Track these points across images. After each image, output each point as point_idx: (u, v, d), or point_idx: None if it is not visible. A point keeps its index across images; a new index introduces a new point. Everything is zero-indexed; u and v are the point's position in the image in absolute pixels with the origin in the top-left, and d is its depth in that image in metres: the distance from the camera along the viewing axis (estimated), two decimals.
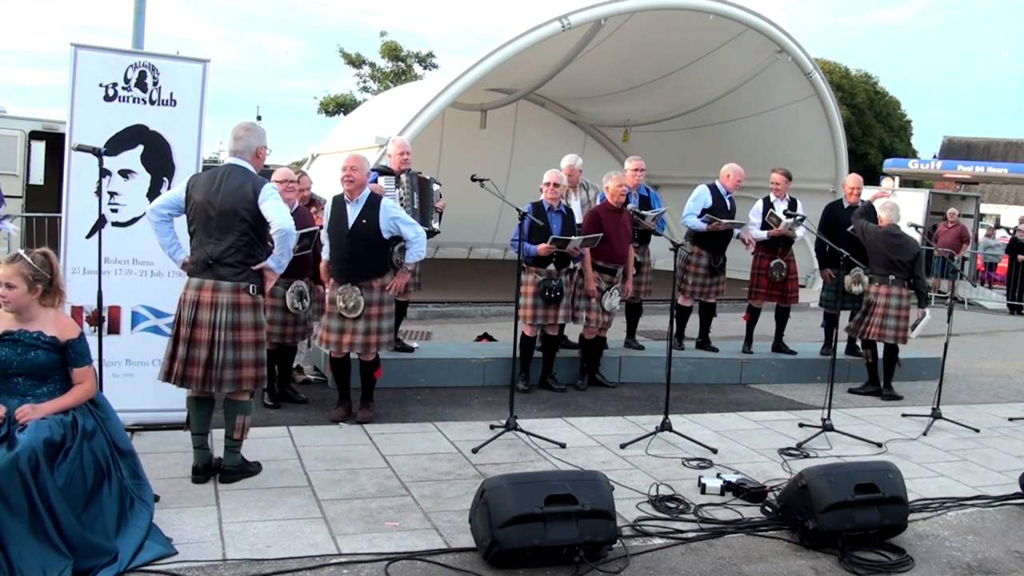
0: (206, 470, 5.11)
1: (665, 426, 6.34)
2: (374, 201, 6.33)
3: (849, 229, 8.46)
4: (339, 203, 6.39)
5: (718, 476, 5.46)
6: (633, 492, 5.23)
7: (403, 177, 7.37)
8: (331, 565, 4.09)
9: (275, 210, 4.93)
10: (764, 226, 8.82)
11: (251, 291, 5.01)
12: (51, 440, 3.88)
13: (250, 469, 5.26)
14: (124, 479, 4.22)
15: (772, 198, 8.95)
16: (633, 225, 7.93)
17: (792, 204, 8.97)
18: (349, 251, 6.31)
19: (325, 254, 6.51)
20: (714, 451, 6.17)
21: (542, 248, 7.29)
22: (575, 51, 13.82)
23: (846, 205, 9.03)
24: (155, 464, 4.94)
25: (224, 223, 4.95)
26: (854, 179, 9.24)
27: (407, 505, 4.91)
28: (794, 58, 14.36)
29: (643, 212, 7.96)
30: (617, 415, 7.16)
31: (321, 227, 6.60)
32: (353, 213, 6.31)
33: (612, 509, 4.30)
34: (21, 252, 4.20)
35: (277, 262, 5.07)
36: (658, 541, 4.58)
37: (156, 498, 4.49)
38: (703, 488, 5.34)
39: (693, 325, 9.24)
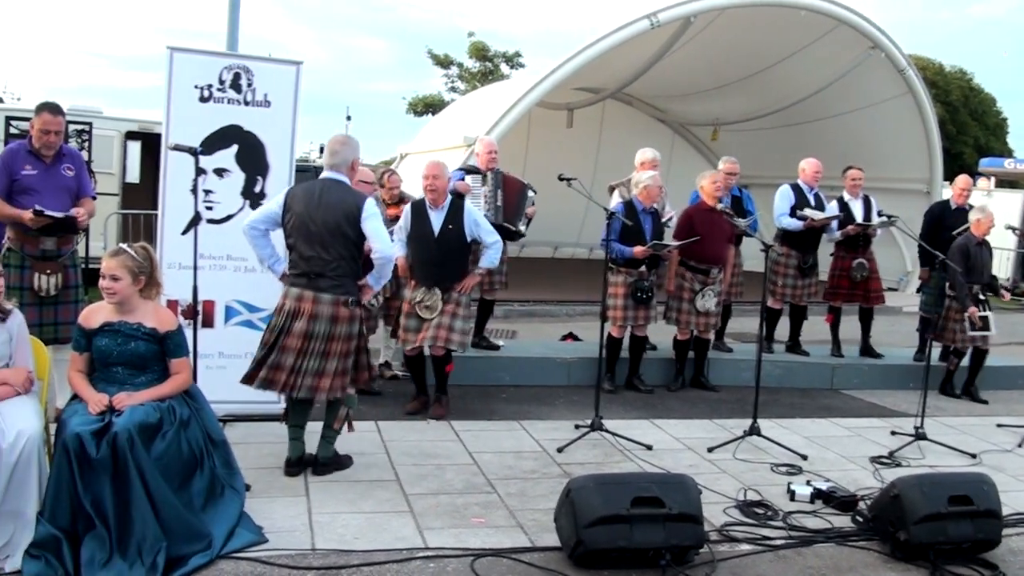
0: (299, 463, 5.20)
1: (754, 430, 6.21)
2: (458, 206, 6.42)
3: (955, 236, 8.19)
4: (420, 209, 6.46)
5: (808, 483, 5.33)
6: (720, 497, 5.14)
7: (488, 175, 7.40)
8: (417, 559, 4.12)
9: (377, 234, 5.04)
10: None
11: (349, 304, 5.07)
12: (147, 422, 4.00)
13: (342, 462, 5.33)
14: (217, 468, 4.32)
15: (847, 197, 8.71)
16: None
17: (867, 203, 8.71)
18: (437, 256, 6.39)
19: (399, 251, 6.51)
20: (804, 457, 6.03)
21: (639, 251, 7.22)
22: (664, 49, 13.67)
23: (953, 207, 8.74)
24: (246, 454, 5.04)
25: (327, 238, 5.03)
26: (964, 180, 8.96)
27: (493, 502, 4.92)
28: (887, 54, 13.97)
29: (738, 220, 7.81)
30: (704, 418, 7.06)
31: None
32: (438, 219, 6.39)
33: (699, 513, 4.23)
34: (123, 246, 4.35)
35: (376, 281, 5.20)
36: (745, 547, 4.49)
37: (247, 487, 4.58)
38: (792, 495, 5.23)
39: (784, 328, 9.05)
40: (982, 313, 7.73)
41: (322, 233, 5.03)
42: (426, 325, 6.40)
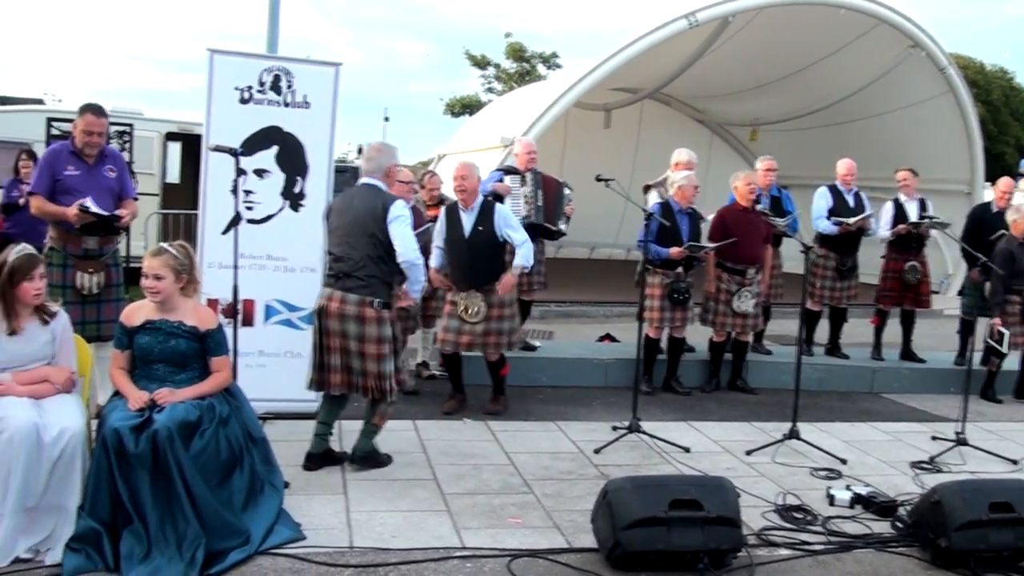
0: (319, 459, 5.25)
1: (793, 434, 6.15)
2: (488, 207, 6.42)
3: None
4: (453, 211, 6.48)
5: (847, 488, 5.26)
6: (759, 500, 5.09)
7: (528, 175, 7.40)
8: (454, 558, 4.12)
9: (400, 237, 5.09)
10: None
11: (375, 305, 5.10)
12: (186, 420, 4.04)
13: (380, 460, 5.36)
14: (256, 465, 4.35)
15: (902, 198, 8.60)
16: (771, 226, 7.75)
17: (923, 204, 8.60)
18: (470, 258, 6.40)
19: (433, 262, 6.54)
20: (843, 462, 5.95)
21: (675, 252, 7.20)
22: (702, 49, 13.61)
23: (995, 209, 8.61)
24: (285, 452, 5.07)
25: (353, 238, 5.13)
26: (1006, 183, 8.80)
27: (529, 503, 4.92)
28: (928, 53, 13.79)
29: (776, 219, 7.74)
30: (743, 421, 7.00)
31: (430, 226, 6.69)
32: (469, 221, 6.39)
33: (738, 517, 4.20)
34: (165, 245, 4.40)
35: (412, 289, 5.27)
36: (784, 552, 4.44)
37: (286, 485, 4.61)
38: (831, 500, 5.16)
39: (823, 330, 8.96)
40: (1002, 328, 7.56)
41: (350, 234, 5.14)
42: (471, 329, 6.42)
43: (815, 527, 4.77)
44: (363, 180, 5.33)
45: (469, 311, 6.40)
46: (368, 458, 5.30)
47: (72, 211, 5.58)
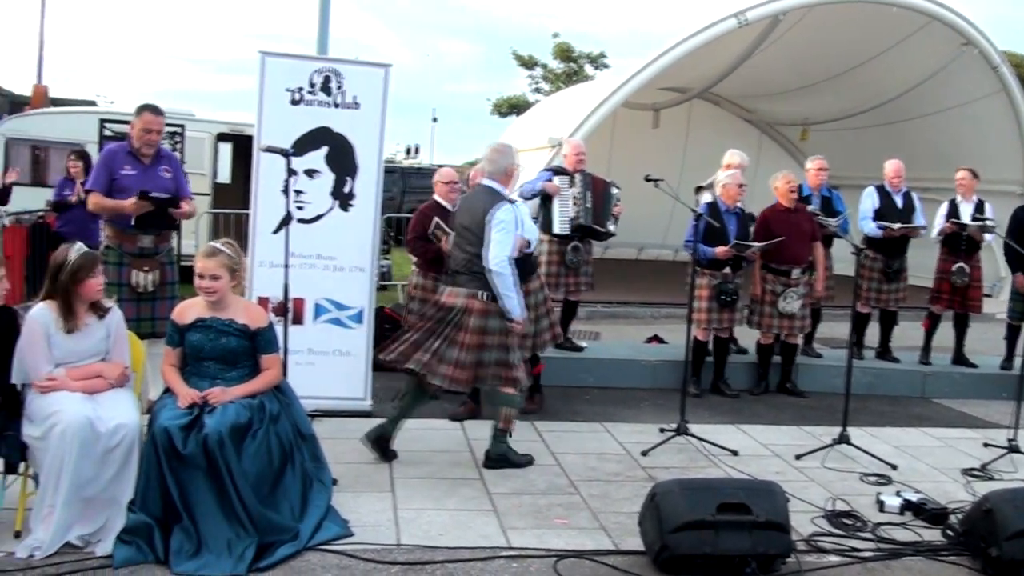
0: (375, 441, 5.41)
1: (843, 438, 6.06)
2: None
3: None
4: None
5: (898, 494, 5.18)
6: (808, 506, 5.03)
7: (577, 176, 7.37)
8: (501, 558, 4.13)
9: (492, 242, 5.19)
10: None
11: (482, 297, 5.24)
12: (237, 423, 4.09)
13: (515, 461, 5.45)
14: (305, 462, 4.40)
15: (958, 199, 8.44)
16: (821, 227, 7.65)
17: (979, 207, 8.42)
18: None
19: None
20: (894, 467, 5.86)
21: (721, 251, 7.14)
22: (751, 48, 13.46)
23: None
24: (334, 449, 5.12)
25: (464, 238, 5.36)
26: None
27: (576, 503, 4.91)
28: (981, 51, 13.49)
29: (827, 220, 7.65)
30: (792, 424, 6.92)
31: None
32: None
33: (787, 522, 4.16)
34: (218, 245, 4.45)
35: (500, 303, 5.28)
36: (833, 558, 4.38)
37: (334, 481, 4.65)
38: (881, 506, 5.09)
39: (874, 333, 8.83)
40: None
41: (463, 234, 5.37)
42: None
43: (865, 534, 4.70)
44: (483, 181, 5.48)
45: None
46: (502, 460, 5.41)
47: (130, 201, 5.66)
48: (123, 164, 5.83)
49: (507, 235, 5.21)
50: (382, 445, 5.42)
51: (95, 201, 5.82)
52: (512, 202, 5.37)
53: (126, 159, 5.85)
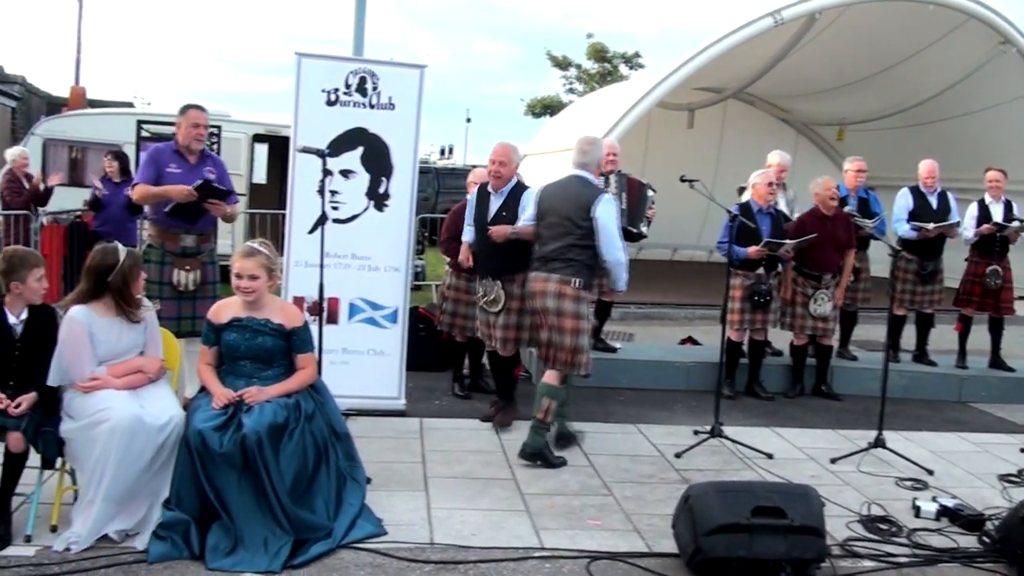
0: (564, 439, 5.84)
1: (879, 442, 6.00)
2: (516, 192, 6.17)
3: None
4: (483, 193, 6.31)
5: (934, 499, 5.12)
6: (843, 510, 4.99)
7: (611, 177, 7.35)
8: (534, 558, 4.14)
9: (615, 238, 5.50)
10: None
11: (575, 284, 5.46)
12: (275, 423, 4.13)
13: (549, 459, 5.49)
14: (340, 460, 4.43)
15: (988, 200, 8.31)
16: (857, 229, 7.58)
17: (1008, 207, 8.29)
18: (489, 243, 6.09)
19: (465, 236, 6.54)
20: (930, 472, 5.79)
21: (753, 251, 7.08)
22: (787, 47, 13.34)
23: None
24: (367, 448, 5.15)
25: (560, 226, 5.52)
26: None
27: (608, 505, 4.91)
28: (1019, 49, 13.28)
29: (864, 221, 7.57)
30: (827, 427, 6.86)
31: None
32: (495, 204, 6.19)
33: (822, 526, 4.13)
34: (255, 246, 4.49)
35: (616, 286, 5.82)
36: (868, 564, 4.34)
37: (368, 480, 4.68)
38: (917, 511, 5.03)
39: (910, 335, 8.72)
40: None
41: (558, 222, 5.52)
42: (494, 322, 6.20)
43: (900, 539, 4.65)
44: (575, 172, 5.64)
45: (492, 302, 6.14)
46: (537, 455, 5.48)
47: (176, 187, 5.70)
48: (169, 162, 5.86)
49: (615, 224, 5.51)
50: (569, 440, 5.82)
51: (140, 191, 5.84)
52: (607, 193, 5.65)
53: (172, 157, 5.89)
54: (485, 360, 7.00)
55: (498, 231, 5.97)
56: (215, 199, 5.81)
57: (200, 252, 5.97)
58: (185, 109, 5.96)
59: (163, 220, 5.86)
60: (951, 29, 13.08)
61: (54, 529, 4.12)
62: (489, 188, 6.28)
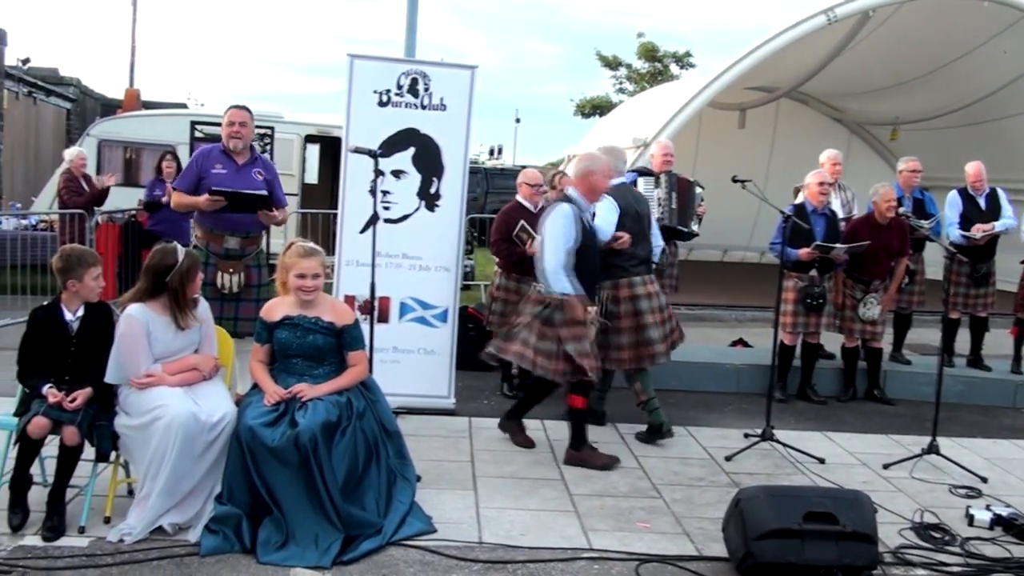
0: (656, 433, 6.07)
1: (932, 448, 5.89)
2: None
3: None
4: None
5: (988, 508, 5.02)
6: (896, 517, 4.91)
7: (662, 177, 7.32)
8: (582, 559, 4.14)
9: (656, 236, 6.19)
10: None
11: (652, 281, 5.96)
12: (328, 421, 4.18)
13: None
14: (390, 458, 4.47)
15: None
16: (912, 230, 7.46)
17: None
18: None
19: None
20: (984, 480, 5.68)
21: (804, 253, 7.00)
22: (840, 45, 13.17)
23: None
24: (418, 446, 5.19)
25: (644, 230, 5.94)
26: None
27: (658, 507, 4.89)
28: None
29: (919, 222, 7.44)
30: (880, 433, 6.76)
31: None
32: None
33: (874, 533, 4.08)
34: (311, 244, 4.56)
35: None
36: (920, 572, 4.28)
37: (418, 478, 4.72)
38: (971, 520, 4.93)
39: (964, 339, 8.55)
40: None
41: (643, 223, 5.95)
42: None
43: (953, 548, 4.57)
44: (619, 180, 5.90)
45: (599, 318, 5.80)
46: (657, 430, 6.08)
47: (203, 198, 5.64)
48: (215, 163, 5.81)
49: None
50: (659, 432, 6.04)
51: (176, 199, 5.90)
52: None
53: (219, 158, 5.84)
54: None
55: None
56: (245, 204, 5.73)
57: (244, 255, 5.87)
58: (228, 109, 5.95)
59: (207, 221, 5.81)
60: (1006, 26, 12.83)
61: (107, 521, 4.21)
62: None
